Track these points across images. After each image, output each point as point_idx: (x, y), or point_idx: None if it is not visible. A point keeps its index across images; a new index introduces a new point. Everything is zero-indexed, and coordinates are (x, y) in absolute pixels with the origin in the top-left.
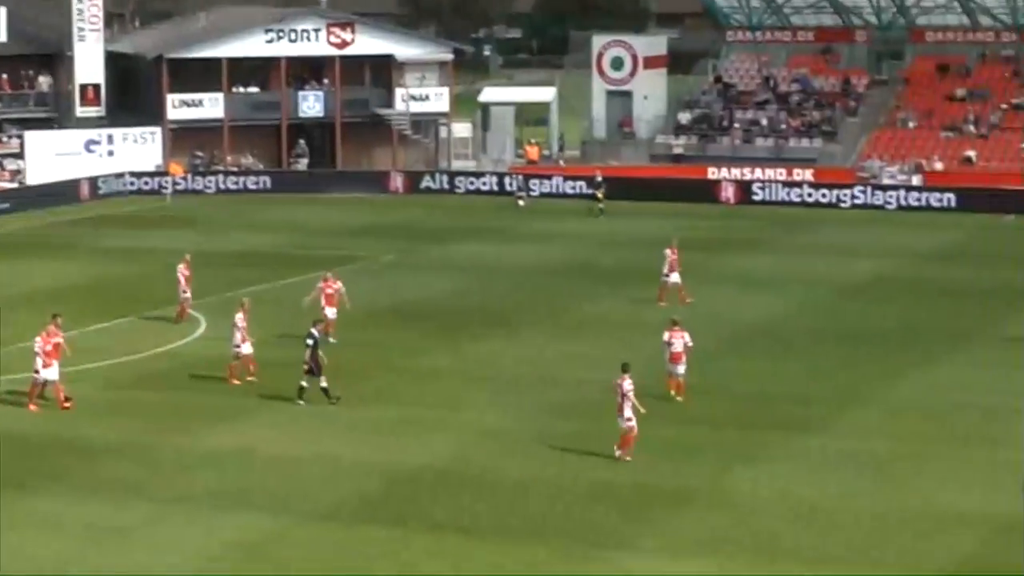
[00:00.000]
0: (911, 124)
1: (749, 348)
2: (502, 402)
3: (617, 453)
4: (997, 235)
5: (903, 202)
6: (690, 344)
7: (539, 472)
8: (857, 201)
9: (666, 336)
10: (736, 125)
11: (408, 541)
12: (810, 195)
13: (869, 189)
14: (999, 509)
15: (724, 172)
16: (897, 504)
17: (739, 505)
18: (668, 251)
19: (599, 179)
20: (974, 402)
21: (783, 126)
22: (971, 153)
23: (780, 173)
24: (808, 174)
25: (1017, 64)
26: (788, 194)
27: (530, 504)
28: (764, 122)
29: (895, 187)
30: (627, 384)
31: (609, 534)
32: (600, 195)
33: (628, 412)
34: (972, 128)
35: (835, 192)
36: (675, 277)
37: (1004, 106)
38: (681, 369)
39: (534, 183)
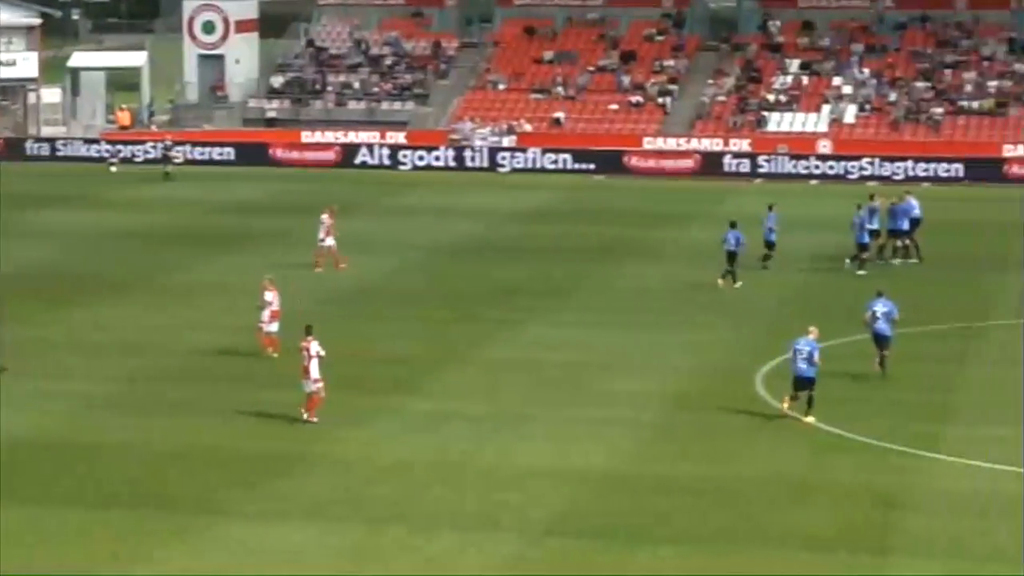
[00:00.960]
0: (501, 86)
1: (347, 310)
2: (110, 369)
3: (304, 416)
4: (589, 195)
5: (495, 163)
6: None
7: (142, 437)
8: (451, 163)
9: (267, 296)
10: (329, 88)
11: None
12: (405, 156)
13: (463, 150)
14: (586, 465)
15: (319, 136)
16: (494, 462)
17: (341, 468)
18: (324, 216)
19: (169, 144)
20: (568, 359)
21: (375, 89)
22: (560, 115)
23: (374, 136)
24: (401, 136)
25: (603, 27)
26: (385, 157)
27: (129, 470)
28: (357, 85)
29: (485, 149)
30: (314, 346)
31: (209, 500)
32: (171, 160)
33: (316, 374)
34: (560, 90)
35: (430, 153)
36: (330, 241)
37: (591, 68)
38: (275, 327)
39: (131, 149)
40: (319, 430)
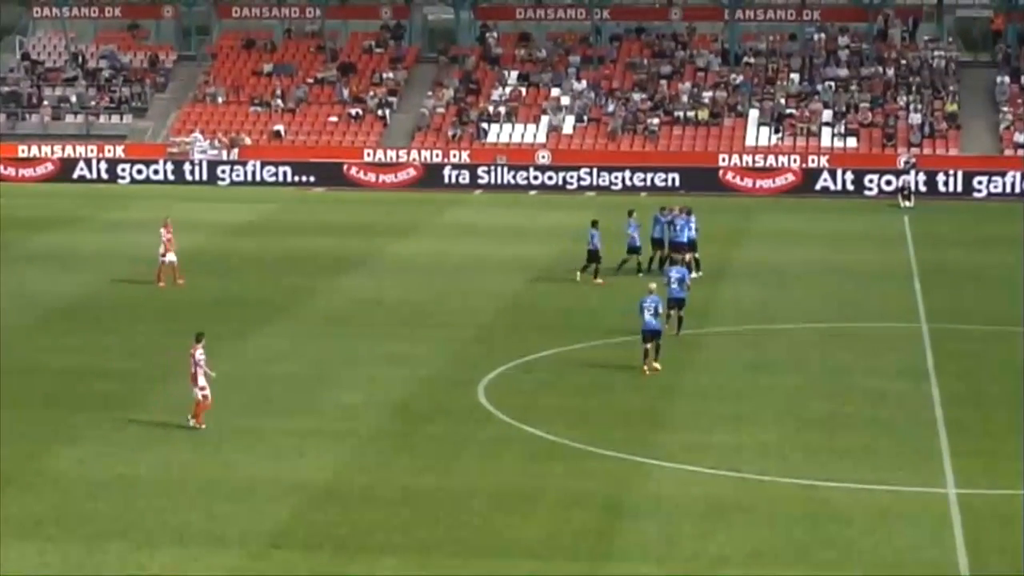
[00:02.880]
0: (220, 99)
1: (65, 325)
2: None
3: (191, 423)
4: (309, 207)
5: (215, 176)
6: None
7: None
8: (170, 176)
9: None
10: (45, 102)
11: None
12: (123, 170)
13: (182, 163)
14: (310, 476)
15: (35, 150)
16: (217, 475)
17: (58, 485)
18: (163, 230)
19: None
20: (289, 372)
21: (93, 103)
22: (280, 127)
23: (91, 150)
24: (119, 150)
25: (321, 39)
26: (103, 171)
27: None
28: (74, 99)
29: (206, 162)
30: (199, 353)
31: None
32: None
33: (202, 381)
34: (280, 102)
35: (148, 167)
36: (171, 257)
37: (310, 80)
38: None
39: None
40: (33, 448)
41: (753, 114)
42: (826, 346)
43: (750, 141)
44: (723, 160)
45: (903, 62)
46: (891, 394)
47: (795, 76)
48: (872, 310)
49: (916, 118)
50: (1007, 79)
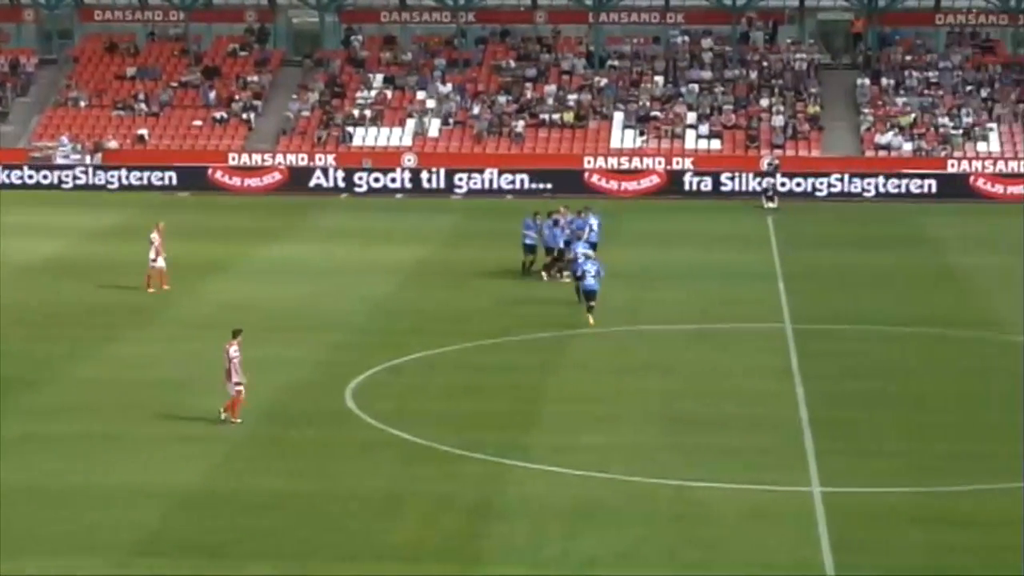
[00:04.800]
0: (83, 103)
1: None
2: None
3: (223, 416)
4: (173, 212)
5: (79, 181)
6: None
7: None
8: (33, 181)
9: None
10: None
11: None
12: None
13: (47, 170)
14: (179, 482)
15: None
16: (85, 482)
17: None
18: (154, 235)
19: None
20: (156, 377)
21: None
22: (144, 131)
23: None
24: None
25: (185, 42)
26: None
27: None
28: None
29: (70, 166)
30: (233, 350)
31: None
32: None
33: (235, 376)
34: (144, 106)
35: (11, 172)
36: (161, 262)
37: (174, 84)
38: None
39: None
40: None
41: (618, 116)
42: (693, 347)
43: (615, 143)
44: (588, 162)
45: (765, 65)
46: (757, 394)
47: (659, 79)
48: (738, 311)
49: (779, 120)
50: (867, 81)
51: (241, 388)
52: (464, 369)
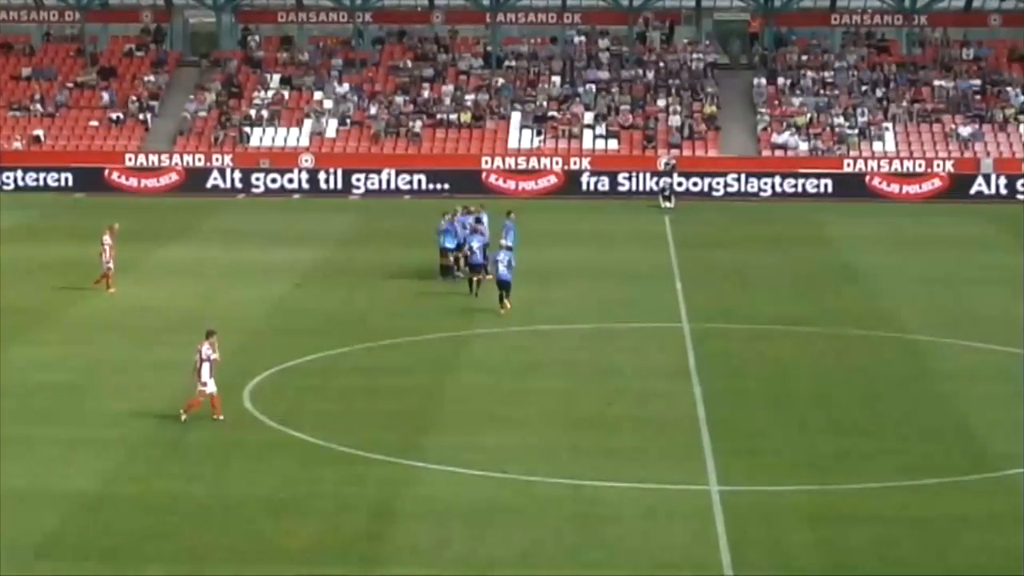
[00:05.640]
0: None
1: None
2: None
3: (183, 417)
4: (69, 213)
5: None
6: None
7: None
8: None
9: None
10: None
11: None
12: None
13: None
14: (77, 485)
15: None
16: None
17: None
18: (106, 237)
19: None
20: (55, 380)
21: None
22: (40, 132)
23: None
24: None
25: (81, 42)
26: None
27: None
28: None
29: None
30: (205, 348)
31: None
32: None
33: (204, 376)
34: (39, 107)
35: None
36: (112, 263)
37: (70, 84)
38: None
39: None
40: None
41: (515, 117)
42: (591, 347)
43: (512, 143)
44: (486, 163)
45: (662, 65)
46: (655, 394)
47: (556, 79)
48: (635, 310)
49: (676, 120)
50: (764, 81)
51: (204, 389)
52: (363, 370)
